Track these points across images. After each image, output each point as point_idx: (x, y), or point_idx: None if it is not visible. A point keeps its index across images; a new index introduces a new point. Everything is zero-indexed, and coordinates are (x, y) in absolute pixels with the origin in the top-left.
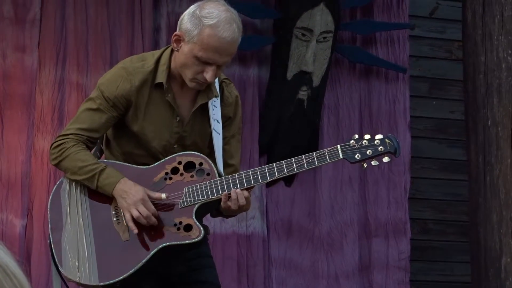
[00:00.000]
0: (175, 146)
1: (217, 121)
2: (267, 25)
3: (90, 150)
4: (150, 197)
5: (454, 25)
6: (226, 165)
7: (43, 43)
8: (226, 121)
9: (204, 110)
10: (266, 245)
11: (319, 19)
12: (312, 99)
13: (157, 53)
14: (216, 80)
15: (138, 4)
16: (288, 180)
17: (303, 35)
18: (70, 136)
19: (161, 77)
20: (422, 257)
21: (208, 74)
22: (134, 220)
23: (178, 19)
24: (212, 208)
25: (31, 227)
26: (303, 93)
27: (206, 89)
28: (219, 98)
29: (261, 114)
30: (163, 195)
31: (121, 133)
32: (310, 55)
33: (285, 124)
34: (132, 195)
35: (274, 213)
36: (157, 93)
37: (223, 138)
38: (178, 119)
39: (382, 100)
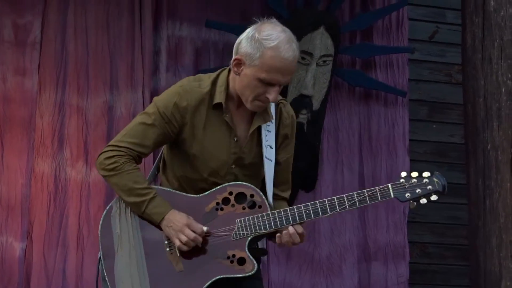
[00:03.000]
0: (233, 166)
1: (270, 146)
2: None
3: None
4: (192, 227)
5: (454, 48)
6: (281, 188)
7: (43, 66)
8: (284, 141)
9: (258, 134)
10: (265, 268)
11: (319, 42)
12: (312, 123)
13: (213, 75)
14: None
15: (138, 28)
16: (288, 203)
17: (303, 58)
18: (123, 149)
19: (219, 97)
20: (421, 281)
21: (272, 95)
22: (185, 246)
23: (178, 43)
24: (264, 237)
25: (31, 250)
26: (303, 117)
27: (262, 112)
28: (274, 122)
29: None
30: (205, 228)
31: (178, 157)
32: (310, 79)
33: None
34: (177, 221)
35: None
36: (214, 114)
37: (279, 162)
38: (235, 139)
39: (381, 123)
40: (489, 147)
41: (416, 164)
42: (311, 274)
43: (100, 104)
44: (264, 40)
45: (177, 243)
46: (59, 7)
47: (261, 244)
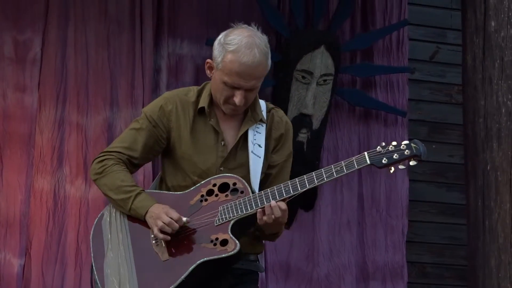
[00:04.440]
0: (221, 168)
1: (259, 145)
2: None
3: (131, 173)
4: (172, 217)
5: (454, 69)
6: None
7: (43, 83)
8: (278, 143)
9: (246, 136)
10: (264, 287)
11: (320, 62)
12: (312, 142)
13: (200, 86)
14: (264, 107)
15: (139, 45)
16: (287, 222)
17: (303, 77)
18: (113, 153)
19: (203, 102)
20: None
21: (237, 98)
22: (167, 234)
23: (178, 60)
24: (248, 228)
25: (29, 267)
26: (302, 136)
27: (251, 114)
28: (265, 125)
29: None
30: (184, 219)
31: (170, 166)
32: (310, 98)
33: None
34: (156, 211)
35: (273, 255)
36: (201, 119)
37: (274, 166)
38: (223, 143)
39: (381, 143)
40: (488, 167)
41: (415, 184)
42: None
43: (100, 122)
44: (226, 44)
45: (155, 230)
46: (60, 24)
47: None
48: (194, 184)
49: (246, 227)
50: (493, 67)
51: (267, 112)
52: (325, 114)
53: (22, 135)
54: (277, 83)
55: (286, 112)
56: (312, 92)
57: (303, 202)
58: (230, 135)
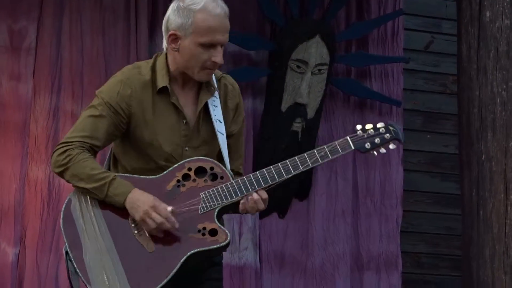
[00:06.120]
0: (186, 148)
1: (219, 121)
2: (262, 56)
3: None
4: (158, 209)
5: (449, 59)
6: (238, 164)
7: (38, 72)
8: (236, 112)
9: (206, 110)
10: (258, 276)
11: (314, 51)
12: (307, 131)
13: (150, 61)
14: (213, 77)
15: (134, 34)
16: (282, 211)
17: (298, 67)
18: (74, 143)
19: (163, 81)
20: None
21: (217, 57)
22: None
23: None
24: (228, 210)
25: (24, 256)
26: (297, 125)
27: (206, 85)
28: (218, 95)
29: (256, 146)
30: (169, 208)
31: (131, 150)
32: (304, 87)
33: (280, 156)
34: (142, 203)
35: (267, 245)
36: (160, 98)
37: (231, 135)
38: (185, 121)
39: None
40: (483, 157)
41: (409, 174)
42: (304, 283)
43: None
44: (190, 5)
45: (147, 229)
46: (55, 13)
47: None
48: (160, 167)
49: (225, 212)
50: (488, 57)
51: (217, 81)
52: (320, 104)
53: (17, 124)
54: (272, 73)
55: (280, 101)
56: (307, 81)
57: (297, 192)
58: (190, 111)
